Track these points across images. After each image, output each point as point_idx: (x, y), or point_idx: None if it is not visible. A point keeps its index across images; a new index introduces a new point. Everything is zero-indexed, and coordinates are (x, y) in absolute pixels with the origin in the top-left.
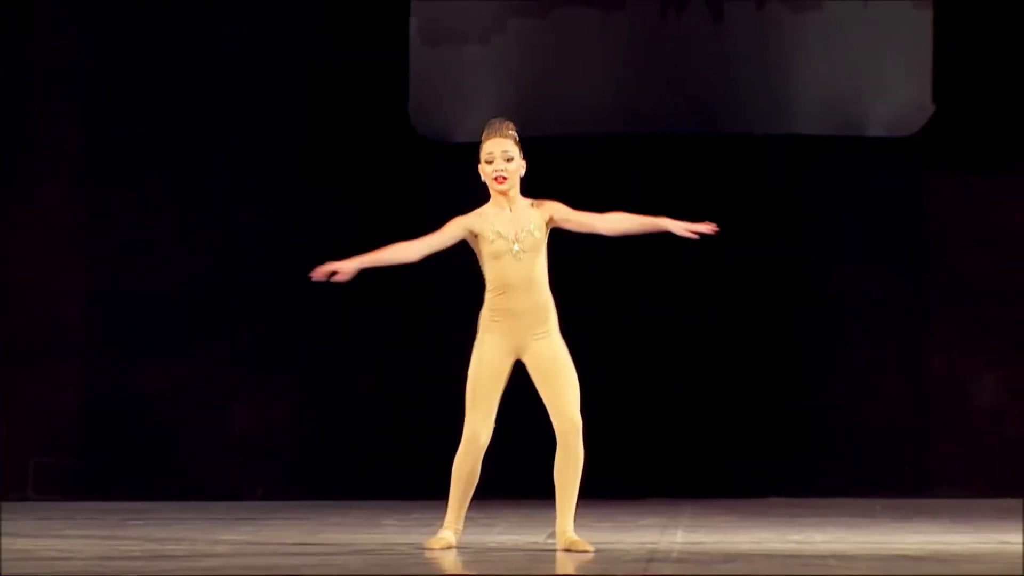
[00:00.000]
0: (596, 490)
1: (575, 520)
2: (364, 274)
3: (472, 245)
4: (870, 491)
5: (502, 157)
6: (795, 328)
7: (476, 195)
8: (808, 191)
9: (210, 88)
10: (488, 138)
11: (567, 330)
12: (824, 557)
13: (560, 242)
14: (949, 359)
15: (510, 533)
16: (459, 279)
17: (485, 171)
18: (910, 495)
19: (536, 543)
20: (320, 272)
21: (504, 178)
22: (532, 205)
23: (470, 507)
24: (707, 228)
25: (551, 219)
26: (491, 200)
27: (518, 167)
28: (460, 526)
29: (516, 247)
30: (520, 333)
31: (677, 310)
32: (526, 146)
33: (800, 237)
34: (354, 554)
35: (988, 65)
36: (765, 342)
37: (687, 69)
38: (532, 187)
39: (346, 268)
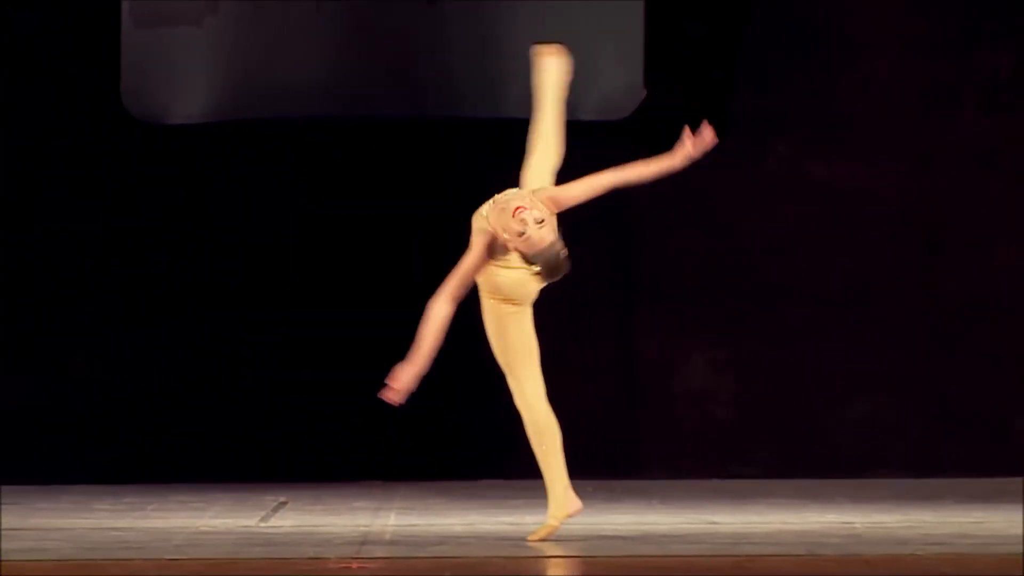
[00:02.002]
0: (309, 473)
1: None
2: (57, 261)
3: None
4: (580, 472)
5: (533, 221)
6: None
7: (192, 176)
8: (519, 176)
9: None
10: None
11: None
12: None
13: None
14: (659, 341)
15: (223, 517)
16: (170, 266)
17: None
18: (620, 476)
19: (248, 526)
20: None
21: (524, 232)
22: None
23: (182, 491)
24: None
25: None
26: None
27: (545, 235)
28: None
29: None
30: None
31: (390, 297)
32: (239, 129)
33: None
34: (65, 538)
35: (698, 49)
36: (474, 326)
37: (401, 53)
38: (251, 170)
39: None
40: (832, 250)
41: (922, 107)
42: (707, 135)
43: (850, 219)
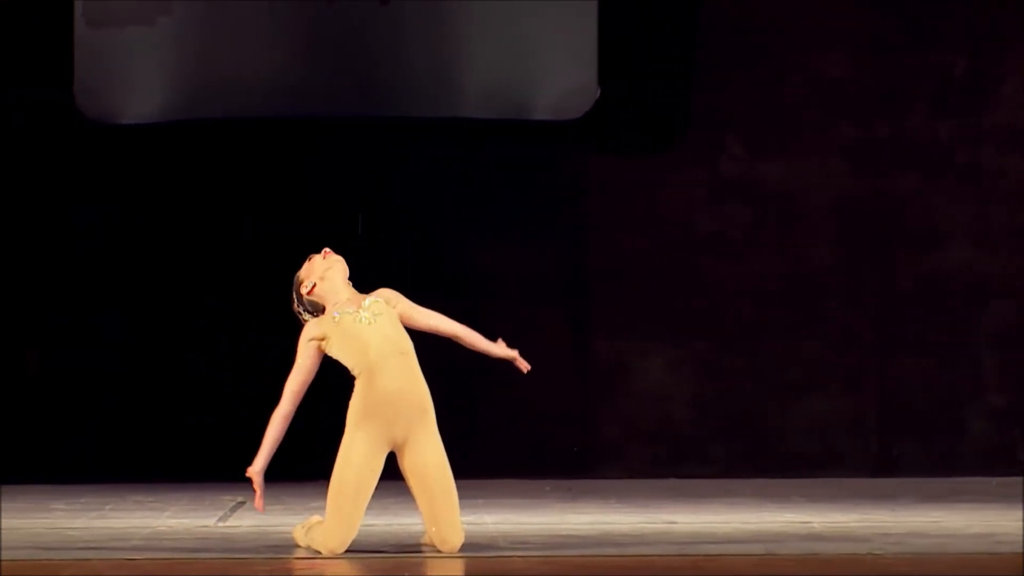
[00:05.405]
0: (268, 472)
1: None
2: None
3: (328, 351)
4: (538, 472)
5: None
6: (461, 309)
7: (146, 176)
8: (475, 175)
9: None
10: None
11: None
12: (494, 538)
13: None
14: (614, 341)
15: (180, 517)
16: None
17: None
18: (577, 476)
19: (206, 526)
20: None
21: (304, 282)
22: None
23: (140, 491)
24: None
25: (393, 304)
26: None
27: (318, 260)
28: None
29: (363, 314)
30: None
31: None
32: (193, 128)
33: (466, 221)
34: (21, 538)
35: (652, 48)
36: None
37: (354, 52)
38: (204, 169)
39: (258, 480)
40: (786, 249)
41: (874, 107)
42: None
43: (802, 218)
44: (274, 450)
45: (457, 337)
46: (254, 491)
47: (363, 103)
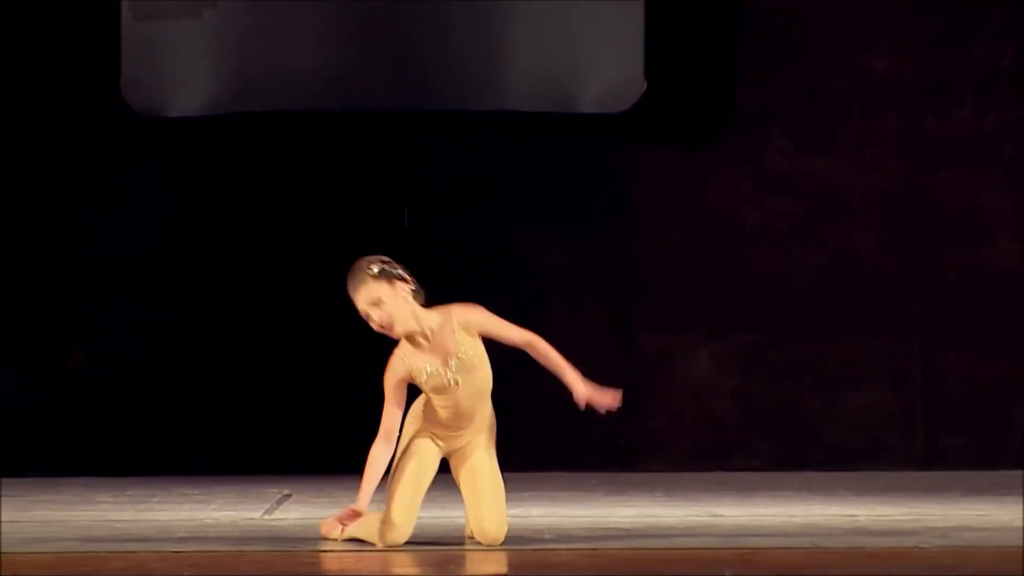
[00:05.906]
0: (313, 465)
1: None
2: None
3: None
4: (583, 465)
5: (370, 311)
6: (506, 303)
7: (193, 169)
8: (520, 168)
9: None
10: (350, 295)
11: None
12: (540, 531)
13: None
14: (659, 335)
15: (226, 509)
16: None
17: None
18: (623, 469)
19: (252, 519)
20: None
21: (383, 328)
22: (446, 320)
23: (186, 484)
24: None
25: (474, 329)
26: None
27: (391, 303)
28: None
29: (451, 377)
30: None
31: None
32: (239, 121)
33: (511, 213)
34: (67, 530)
35: (698, 43)
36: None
37: (401, 46)
38: (251, 162)
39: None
40: (832, 242)
41: (919, 100)
42: (608, 400)
43: (848, 212)
44: (375, 486)
45: (537, 354)
46: (345, 523)
47: (409, 97)
